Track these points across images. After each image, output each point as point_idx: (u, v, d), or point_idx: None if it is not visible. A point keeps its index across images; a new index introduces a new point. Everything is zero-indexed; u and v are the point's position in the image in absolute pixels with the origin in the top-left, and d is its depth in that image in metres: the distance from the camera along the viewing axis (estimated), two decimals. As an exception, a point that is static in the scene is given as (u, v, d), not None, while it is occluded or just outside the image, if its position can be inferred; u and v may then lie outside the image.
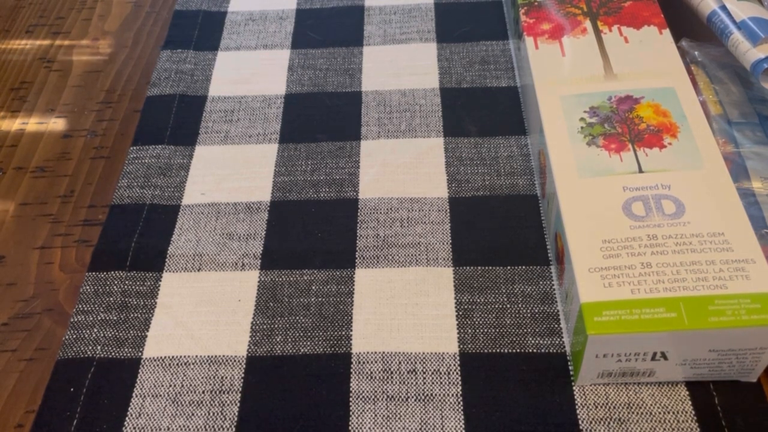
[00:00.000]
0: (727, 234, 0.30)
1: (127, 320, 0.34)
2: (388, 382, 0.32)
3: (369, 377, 0.32)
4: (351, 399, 0.31)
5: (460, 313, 0.34)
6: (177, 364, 0.33)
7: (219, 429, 0.31)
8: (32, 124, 0.45)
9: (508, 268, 0.35)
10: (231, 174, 0.41)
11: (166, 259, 0.37)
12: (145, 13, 0.53)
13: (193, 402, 0.32)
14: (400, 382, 0.32)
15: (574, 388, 0.31)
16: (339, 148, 0.41)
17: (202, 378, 0.32)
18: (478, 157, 0.40)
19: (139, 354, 0.33)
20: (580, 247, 0.30)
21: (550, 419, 0.30)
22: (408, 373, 0.32)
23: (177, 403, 0.32)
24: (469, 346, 0.33)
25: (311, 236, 0.37)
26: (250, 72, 0.47)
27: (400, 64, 0.46)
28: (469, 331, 0.33)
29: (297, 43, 0.48)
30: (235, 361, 0.33)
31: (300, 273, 0.36)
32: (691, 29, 0.43)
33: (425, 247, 0.36)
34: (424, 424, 0.30)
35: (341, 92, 0.45)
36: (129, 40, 0.51)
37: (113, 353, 0.33)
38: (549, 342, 0.33)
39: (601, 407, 0.30)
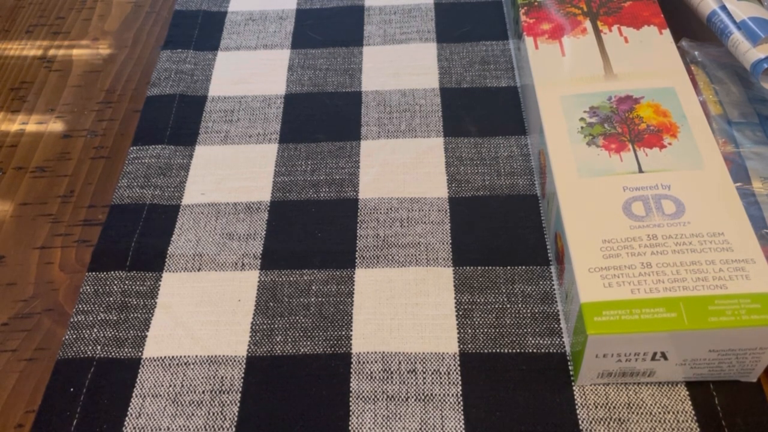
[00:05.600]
0: (727, 234, 0.30)
1: (127, 320, 0.34)
2: (388, 382, 0.32)
3: (369, 377, 0.32)
4: (351, 399, 0.31)
5: (460, 313, 0.34)
6: (177, 364, 0.33)
7: (219, 429, 0.31)
8: (32, 124, 0.45)
9: (508, 268, 0.35)
10: (231, 174, 0.41)
11: (166, 259, 0.37)
12: (145, 13, 0.53)
13: (193, 402, 0.32)
14: (400, 382, 0.32)
15: (574, 388, 0.31)
16: (339, 148, 0.41)
17: (202, 378, 0.32)
18: (478, 157, 0.40)
19: (139, 354, 0.33)
20: (580, 247, 0.30)
21: (550, 419, 0.30)
22: (408, 373, 0.32)
23: (177, 403, 0.32)
24: (469, 346, 0.33)
25: (311, 236, 0.37)
26: (250, 72, 0.47)
27: (400, 64, 0.46)
28: (469, 331, 0.33)
29: (297, 43, 0.48)
30: (235, 361, 0.33)
31: (300, 273, 0.36)
32: (691, 29, 0.43)
33: (425, 247, 0.36)
34: (424, 424, 0.30)
35: (341, 92, 0.45)
36: (129, 40, 0.51)
37: (113, 353, 0.33)
38: (549, 342, 0.33)
39: (601, 407, 0.30)
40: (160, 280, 0.36)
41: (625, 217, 0.31)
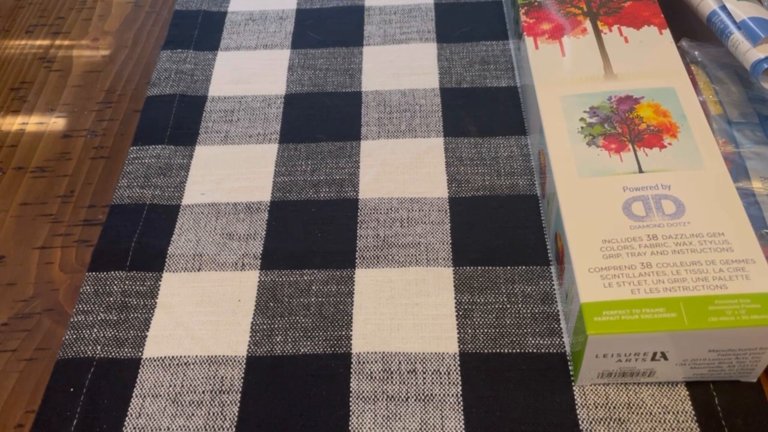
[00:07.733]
0: (727, 234, 0.30)
1: (127, 320, 0.34)
2: (388, 382, 0.32)
3: (369, 377, 0.32)
4: (351, 399, 0.31)
5: (460, 313, 0.34)
6: (177, 364, 0.33)
7: (219, 429, 0.31)
8: (32, 124, 0.45)
9: (508, 268, 0.35)
10: (231, 174, 0.41)
11: (166, 259, 0.37)
12: (145, 13, 0.53)
13: (193, 402, 0.32)
14: (400, 382, 0.32)
15: (574, 388, 0.31)
16: (339, 148, 0.41)
17: (202, 378, 0.32)
18: (478, 157, 0.40)
19: (139, 354, 0.33)
20: (580, 247, 0.30)
21: (550, 419, 0.30)
22: (408, 373, 0.32)
23: (177, 403, 0.32)
24: (469, 346, 0.33)
25: (311, 236, 0.37)
26: (250, 72, 0.47)
27: (400, 64, 0.46)
28: (469, 331, 0.33)
29: (297, 43, 0.48)
30: (235, 361, 0.33)
31: (300, 273, 0.36)
32: (691, 29, 0.43)
33: (425, 247, 0.36)
34: (424, 424, 0.30)
35: (341, 92, 0.45)
36: (129, 40, 0.51)
37: (113, 353, 0.33)
38: (549, 342, 0.33)
39: (601, 407, 0.30)
40: (160, 280, 0.36)
41: (625, 217, 0.31)
